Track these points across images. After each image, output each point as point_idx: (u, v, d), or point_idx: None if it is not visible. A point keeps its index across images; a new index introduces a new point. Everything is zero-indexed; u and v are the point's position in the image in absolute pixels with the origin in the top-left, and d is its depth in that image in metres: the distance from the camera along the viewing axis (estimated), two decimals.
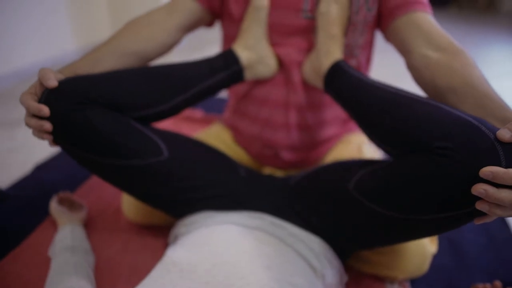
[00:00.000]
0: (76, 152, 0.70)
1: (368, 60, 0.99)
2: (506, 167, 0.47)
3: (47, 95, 0.65)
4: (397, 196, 0.58)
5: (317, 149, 1.01)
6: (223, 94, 1.97)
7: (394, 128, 0.61)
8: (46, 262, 0.84)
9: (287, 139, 0.95)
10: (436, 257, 0.92)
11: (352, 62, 0.93)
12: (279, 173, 1.02)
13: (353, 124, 1.07)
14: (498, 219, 1.14)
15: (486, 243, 1.03)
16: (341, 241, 0.73)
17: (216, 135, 1.08)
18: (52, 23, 2.38)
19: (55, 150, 1.45)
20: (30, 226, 1.01)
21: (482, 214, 0.52)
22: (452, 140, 0.51)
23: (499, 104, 0.59)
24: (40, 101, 0.65)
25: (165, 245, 0.96)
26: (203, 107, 1.78)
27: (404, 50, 0.80)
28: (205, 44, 2.96)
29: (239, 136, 1.06)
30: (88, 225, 1.02)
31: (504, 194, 0.46)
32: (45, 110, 0.63)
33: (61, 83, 0.66)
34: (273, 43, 0.91)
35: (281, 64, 0.92)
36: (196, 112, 1.72)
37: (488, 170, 0.46)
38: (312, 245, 0.71)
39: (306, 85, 0.92)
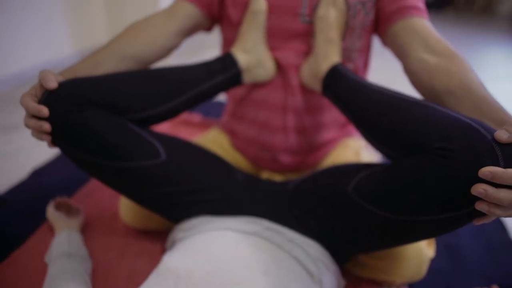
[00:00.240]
0: (74, 153, 0.70)
1: (365, 64, 0.99)
2: (504, 167, 0.48)
3: (47, 97, 0.65)
4: (397, 197, 0.58)
5: (315, 153, 1.01)
6: (221, 97, 1.98)
7: (393, 131, 0.62)
8: (42, 268, 0.84)
9: (285, 142, 0.96)
10: (433, 261, 0.92)
11: (350, 66, 0.93)
12: (277, 177, 1.02)
13: (351, 128, 1.07)
14: (496, 222, 1.14)
15: (484, 246, 1.03)
16: (340, 245, 0.73)
17: (213, 140, 1.08)
18: (50, 26, 2.37)
19: (52, 154, 1.45)
20: (27, 231, 1.01)
21: (481, 214, 0.52)
22: (451, 141, 0.52)
23: (495, 106, 0.60)
24: (40, 102, 0.66)
25: (163, 250, 0.96)
26: (201, 111, 1.78)
27: (401, 54, 0.80)
28: (203, 48, 2.96)
29: (236, 140, 1.06)
30: (85, 230, 1.01)
31: (503, 194, 0.47)
32: (45, 110, 0.64)
33: (61, 84, 0.67)
34: (272, 47, 0.92)
35: (279, 67, 0.93)
36: (194, 116, 1.71)
37: (487, 170, 0.47)
38: (309, 250, 0.71)
39: (304, 89, 0.93)
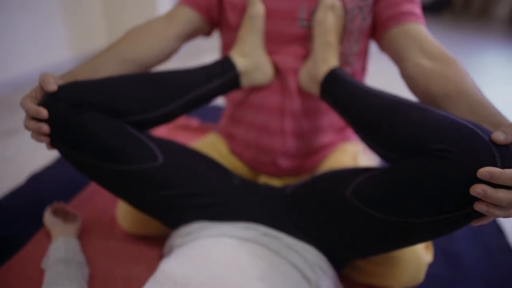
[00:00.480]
0: (72, 155, 0.70)
1: (363, 68, 1.00)
2: (502, 168, 0.48)
3: (47, 99, 0.66)
4: (395, 200, 0.58)
5: (313, 156, 1.02)
6: (219, 102, 1.98)
7: (392, 133, 0.62)
8: (39, 274, 0.83)
9: (283, 145, 0.96)
10: (431, 266, 0.92)
11: (347, 70, 0.94)
12: (274, 182, 1.02)
13: (349, 133, 1.07)
14: (493, 227, 1.14)
15: (481, 251, 1.03)
16: (338, 249, 0.73)
17: (211, 145, 1.08)
18: (47, 31, 2.37)
19: (49, 160, 1.45)
20: (24, 237, 1.00)
21: (480, 215, 0.52)
22: (449, 143, 0.52)
23: (491, 110, 0.61)
24: (39, 104, 0.67)
25: (160, 256, 0.95)
26: (199, 116, 1.78)
27: (398, 59, 0.81)
28: (202, 52, 2.97)
29: (234, 144, 1.06)
30: (83, 236, 1.01)
31: (501, 194, 0.47)
32: (44, 112, 0.65)
33: (61, 87, 0.67)
34: (270, 51, 0.92)
35: (277, 71, 0.93)
36: (192, 121, 1.71)
37: (485, 171, 0.48)
38: (306, 255, 0.71)
39: (302, 92, 0.93)
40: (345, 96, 0.78)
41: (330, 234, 0.71)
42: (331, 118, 0.99)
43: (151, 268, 0.90)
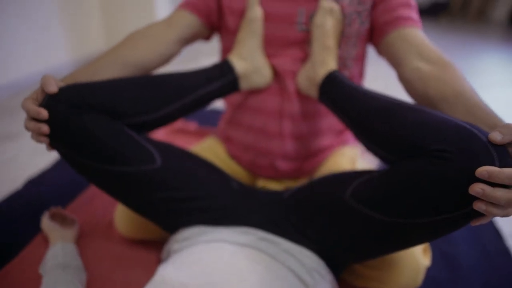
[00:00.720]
0: (71, 156, 0.71)
1: (360, 72, 1.00)
2: (500, 167, 0.49)
3: (47, 100, 0.67)
4: (395, 200, 0.59)
5: (312, 159, 1.02)
6: (216, 105, 1.98)
7: (391, 135, 0.62)
8: (37, 279, 0.83)
9: (282, 148, 0.96)
10: (429, 270, 0.92)
11: (345, 74, 0.95)
12: (273, 185, 1.02)
13: (347, 136, 1.08)
14: (491, 230, 1.14)
15: (480, 254, 1.03)
16: (337, 253, 0.73)
17: (209, 149, 1.09)
18: (46, 35, 2.38)
19: (48, 164, 1.44)
20: (22, 242, 1.00)
21: (478, 215, 0.53)
22: (448, 144, 0.53)
23: (487, 112, 0.62)
24: (40, 105, 0.67)
25: (158, 260, 0.95)
26: (197, 119, 1.78)
27: (396, 63, 0.82)
28: (200, 56, 2.97)
29: (233, 147, 1.06)
30: (80, 240, 1.01)
31: (499, 193, 0.48)
32: (44, 113, 0.66)
33: (61, 89, 0.68)
34: (269, 54, 0.93)
35: (276, 73, 0.94)
36: (190, 125, 1.71)
37: (484, 170, 0.48)
38: (304, 260, 0.71)
39: (301, 95, 0.94)
40: (344, 98, 0.78)
41: (330, 237, 0.71)
42: (329, 121, 1.00)
43: (149, 272, 0.90)
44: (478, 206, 0.50)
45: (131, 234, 0.98)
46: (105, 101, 0.71)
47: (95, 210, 1.14)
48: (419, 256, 0.81)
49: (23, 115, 1.89)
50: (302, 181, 1.03)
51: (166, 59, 0.90)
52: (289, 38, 0.90)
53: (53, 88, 0.67)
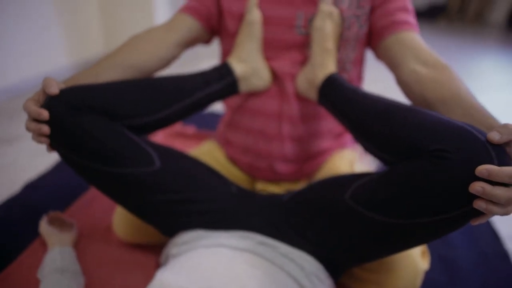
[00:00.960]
0: (71, 158, 0.71)
1: (359, 75, 1.01)
2: (498, 166, 0.49)
3: (48, 101, 0.68)
4: (395, 201, 0.59)
5: (311, 162, 1.02)
6: (215, 108, 1.98)
7: (390, 136, 0.63)
8: (35, 284, 0.83)
9: (281, 150, 0.96)
10: (428, 273, 0.92)
11: (344, 77, 0.95)
12: (272, 188, 1.02)
13: (346, 139, 1.08)
14: (489, 233, 1.14)
15: (478, 256, 1.03)
16: (337, 255, 0.73)
17: (208, 153, 1.09)
18: (44, 39, 2.38)
19: (46, 167, 1.44)
20: (20, 246, 1.00)
21: (478, 214, 0.53)
22: (447, 144, 0.53)
23: (484, 113, 0.63)
24: (41, 106, 0.68)
25: (157, 264, 0.95)
26: (196, 123, 1.78)
27: (393, 66, 0.83)
28: (200, 58, 2.98)
29: (232, 149, 1.06)
30: (79, 244, 1.01)
31: (499, 191, 0.49)
32: (45, 114, 0.66)
33: (62, 91, 0.69)
34: (268, 57, 0.94)
35: (275, 76, 0.94)
36: (188, 128, 1.71)
37: (483, 168, 0.49)
38: (303, 264, 0.71)
39: (300, 97, 0.94)
40: (343, 101, 0.79)
41: (330, 239, 0.71)
42: (328, 123, 1.00)
43: (147, 276, 0.90)
44: (478, 204, 0.50)
45: (129, 238, 0.98)
46: (105, 103, 0.72)
47: (94, 214, 1.14)
48: (417, 259, 0.81)
49: (22, 118, 1.89)
50: (301, 184, 1.03)
51: (166, 63, 0.90)
52: (288, 42, 0.91)
53: (54, 90, 0.68)
